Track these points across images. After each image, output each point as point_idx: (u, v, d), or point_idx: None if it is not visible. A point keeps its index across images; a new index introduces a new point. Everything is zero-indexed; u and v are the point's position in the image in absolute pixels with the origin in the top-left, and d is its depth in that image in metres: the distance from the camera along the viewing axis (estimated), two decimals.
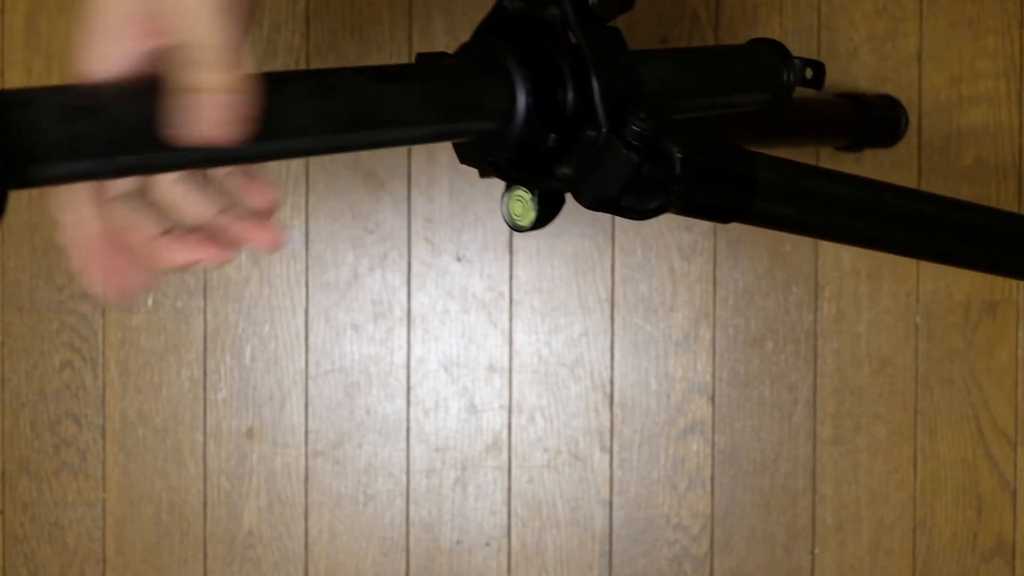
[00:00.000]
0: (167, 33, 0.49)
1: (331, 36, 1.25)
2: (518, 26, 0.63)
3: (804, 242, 1.27)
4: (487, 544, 1.26)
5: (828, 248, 1.27)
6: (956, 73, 1.27)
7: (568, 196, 0.70)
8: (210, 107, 0.48)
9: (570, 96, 0.62)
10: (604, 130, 0.62)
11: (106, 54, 0.50)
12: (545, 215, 0.66)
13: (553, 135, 0.62)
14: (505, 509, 1.26)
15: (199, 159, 0.53)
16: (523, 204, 0.66)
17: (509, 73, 0.61)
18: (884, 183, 0.79)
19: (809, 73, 0.82)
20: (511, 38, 0.62)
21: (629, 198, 0.63)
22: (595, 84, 0.62)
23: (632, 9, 0.64)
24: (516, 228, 0.66)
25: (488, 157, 0.64)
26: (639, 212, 0.65)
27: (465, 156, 0.66)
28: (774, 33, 1.27)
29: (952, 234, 0.80)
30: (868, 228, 0.76)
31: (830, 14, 1.27)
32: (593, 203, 0.64)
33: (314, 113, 0.57)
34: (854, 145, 1.26)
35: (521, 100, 0.61)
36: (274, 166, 1.24)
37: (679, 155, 0.62)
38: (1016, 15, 1.28)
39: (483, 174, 0.67)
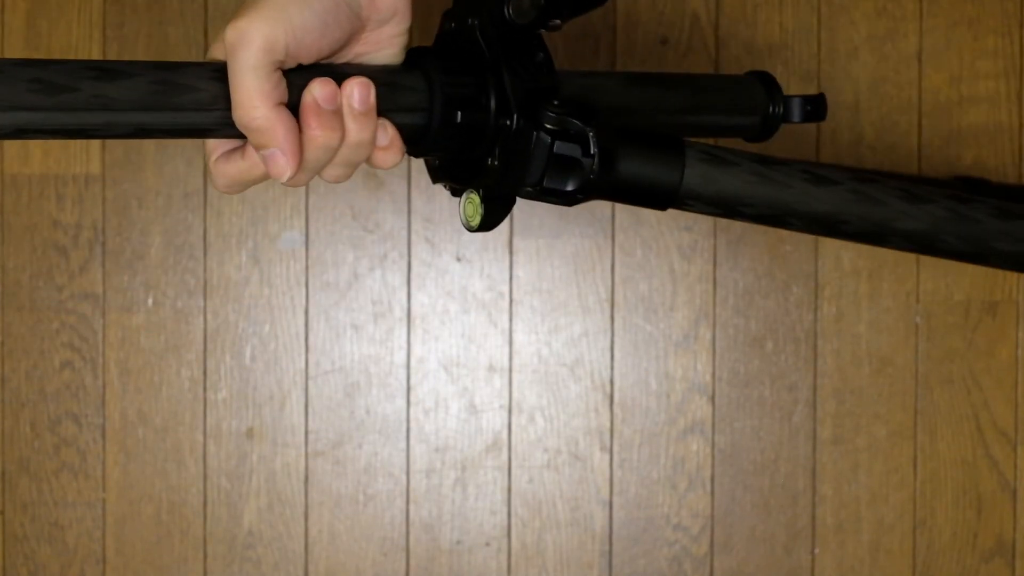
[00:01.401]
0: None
1: None
2: (449, 40, 0.72)
3: (804, 242, 1.27)
4: (487, 544, 1.26)
5: (828, 248, 1.27)
6: (956, 73, 1.27)
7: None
8: (269, 159, 0.65)
9: (490, 93, 0.69)
10: (516, 116, 0.69)
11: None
12: (492, 215, 0.71)
13: (465, 119, 0.69)
14: (505, 509, 1.26)
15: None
16: (473, 206, 0.71)
17: (429, 73, 0.69)
18: (820, 164, 0.80)
19: (809, 108, 0.86)
20: (441, 49, 0.72)
21: (550, 179, 0.69)
22: (506, 76, 0.69)
23: (560, 20, 0.71)
24: (469, 228, 0.72)
25: (426, 154, 0.72)
26: (564, 195, 0.70)
27: (434, 173, 0.74)
28: (774, 33, 1.27)
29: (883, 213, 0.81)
30: (809, 212, 0.77)
31: (830, 14, 1.27)
32: (524, 192, 0.70)
33: None
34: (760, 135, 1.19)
35: (437, 95, 0.69)
36: None
37: (591, 133, 0.68)
38: (1016, 15, 1.28)
39: (453, 192, 0.74)
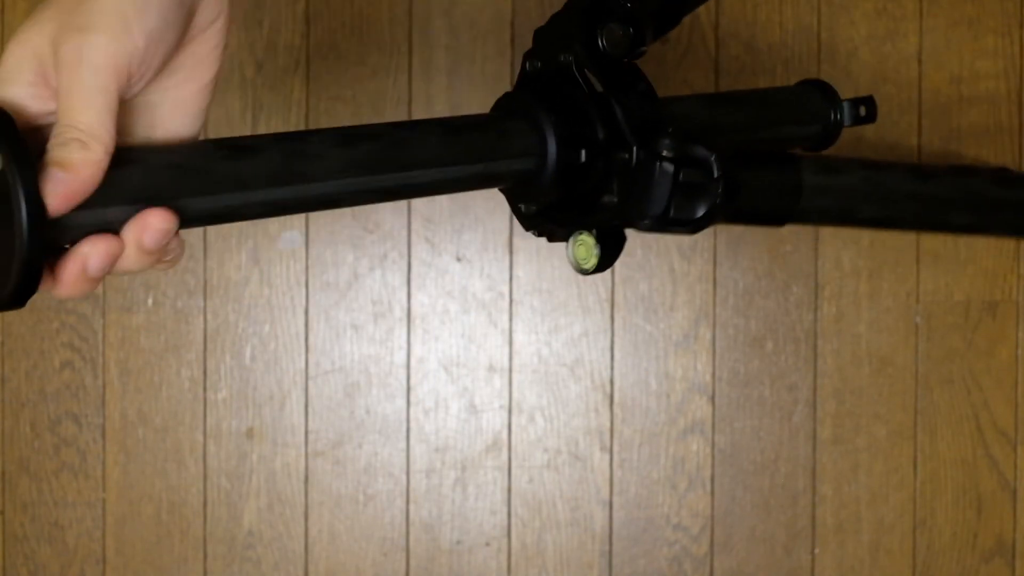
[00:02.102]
0: (55, 102, 0.55)
1: (331, 36, 1.25)
2: (540, 80, 0.69)
3: (804, 242, 1.27)
4: (487, 544, 1.26)
5: (828, 248, 1.27)
6: (956, 73, 1.28)
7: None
8: (56, 179, 0.53)
9: (598, 127, 0.67)
10: (634, 148, 0.66)
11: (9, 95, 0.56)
12: (608, 254, 0.69)
13: (589, 157, 0.66)
14: (505, 509, 1.26)
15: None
16: (586, 247, 0.69)
17: (535, 115, 0.66)
18: (918, 165, 0.81)
19: (863, 111, 0.87)
20: (535, 90, 0.68)
21: (677, 208, 0.67)
22: (617, 109, 0.67)
23: (645, 46, 0.69)
24: (583, 272, 0.69)
25: (538, 200, 0.69)
26: (690, 223, 0.68)
27: (528, 221, 0.72)
28: (774, 33, 1.27)
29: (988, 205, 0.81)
30: (918, 210, 0.77)
31: (830, 14, 1.27)
32: (648, 224, 0.68)
33: (345, 160, 0.62)
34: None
35: (550, 137, 0.66)
36: None
37: (713, 157, 0.66)
38: (1016, 15, 1.28)
39: (551, 237, 0.71)
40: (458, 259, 1.25)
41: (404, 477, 1.26)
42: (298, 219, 1.25)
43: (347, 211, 1.25)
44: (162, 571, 1.25)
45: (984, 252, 1.28)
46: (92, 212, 0.54)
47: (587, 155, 0.67)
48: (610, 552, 1.27)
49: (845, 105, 0.87)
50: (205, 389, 1.25)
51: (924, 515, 1.28)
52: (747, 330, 1.27)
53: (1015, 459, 1.29)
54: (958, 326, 1.28)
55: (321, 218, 1.25)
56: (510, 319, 1.26)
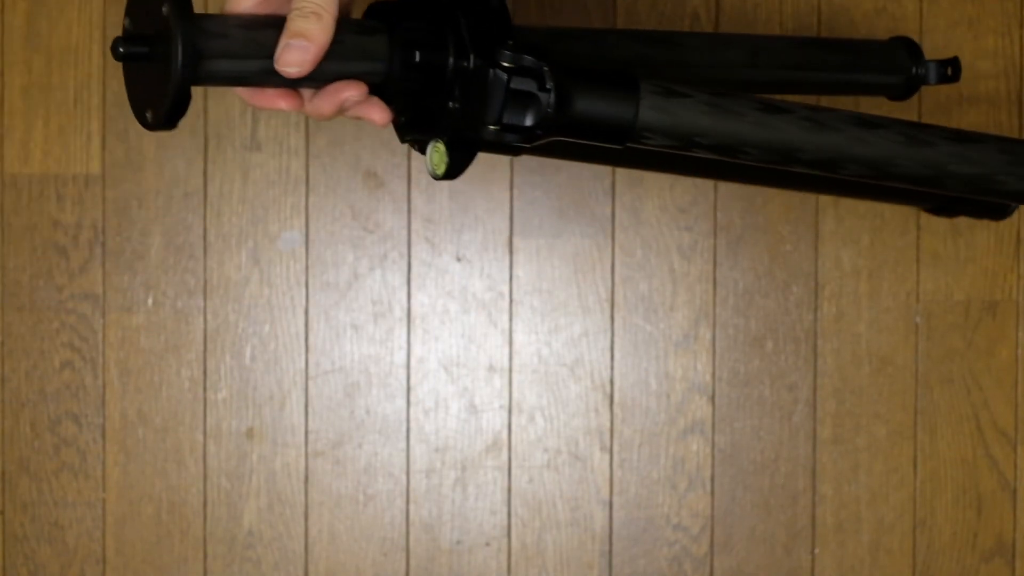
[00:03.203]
0: None
1: None
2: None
3: (804, 242, 1.27)
4: (487, 544, 1.26)
5: (828, 248, 1.27)
6: None
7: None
8: (290, 48, 0.69)
9: (448, 37, 0.73)
10: (472, 56, 0.72)
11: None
12: (457, 162, 0.74)
13: (424, 59, 0.73)
14: (505, 509, 1.26)
15: None
16: (439, 154, 0.74)
17: (392, 23, 0.73)
18: (790, 103, 0.81)
19: (949, 71, 0.96)
20: (399, 2, 0.75)
21: (509, 115, 0.72)
22: (461, 20, 0.72)
23: None
24: (435, 176, 0.74)
25: (398, 104, 0.75)
26: (523, 131, 0.72)
27: (401, 131, 0.77)
28: (773, 33, 1.27)
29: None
30: (764, 141, 0.79)
31: (830, 14, 1.27)
32: (486, 133, 0.72)
33: None
34: (943, 208, 1.21)
35: (396, 41, 0.72)
36: (274, 165, 1.25)
37: (545, 68, 0.71)
38: (1016, 15, 1.28)
39: (421, 148, 0.76)
40: (458, 259, 1.25)
41: (404, 477, 1.26)
42: (298, 219, 1.25)
43: (347, 211, 1.25)
44: (162, 571, 1.25)
45: (984, 252, 1.28)
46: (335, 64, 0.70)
47: (421, 56, 0.72)
48: (610, 552, 1.26)
49: (931, 64, 0.97)
50: (205, 389, 1.25)
51: (924, 515, 1.28)
52: (747, 330, 1.27)
53: (1015, 459, 1.29)
54: (958, 326, 1.28)
55: (321, 218, 1.25)
56: (510, 319, 1.26)
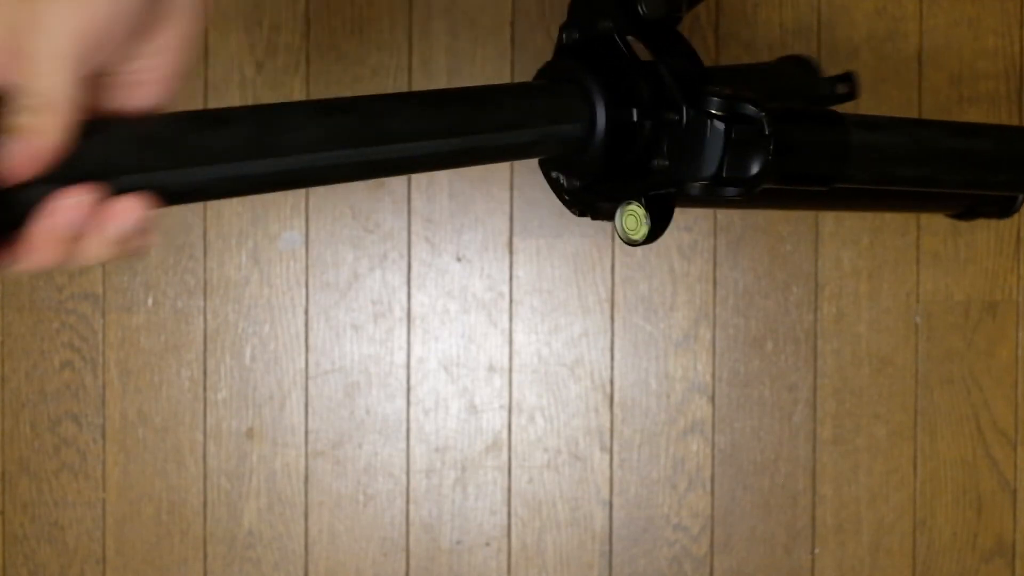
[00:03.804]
0: (16, 70, 0.53)
1: (331, 36, 1.25)
2: (580, 48, 0.68)
3: (804, 242, 1.27)
4: (487, 544, 1.26)
5: (828, 248, 1.27)
6: (956, 73, 1.27)
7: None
8: (20, 144, 0.52)
9: (644, 89, 0.65)
10: (684, 107, 0.65)
11: None
12: (659, 223, 0.67)
13: (639, 116, 0.65)
14: (505, 509, 1.26)
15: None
16: (635, 218, 0.67)
17: (581, 79, 0.65)
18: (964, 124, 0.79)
19: (843, 88, 0.87)
20: (577, 57, 0.67)
21: (730, 167, 0.65)
22: (663, 70, 0.65)
23: (681, 11, 0.68)
24: (632, 243, 0.68)
25: (586, 169, 0.67)
26: (743, 182, 0.66)
27: (572, 197, 0.70)
28: (774, 33, 1.27)
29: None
30: (960, 167, 0.76)
31: (830, 14, 1.27)
32: (701, 187, 0.66)
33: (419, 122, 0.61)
34: (968, 212, 1.21)
35: (598, 98, 0.65)
36: None
37: (763, 113, 0.65)
38: (1016, 15, 1.28)
39: (595, 214, 0.69)
40: (458, 259, 1.25)
41: (404, 477, 1.26)
42: (298, 219, 1.25)
43: (347, 211, 1.25)
44: (162, 571, 1.25)
45: (984, 252, 1.28)
46: (53, 184, 0.52)
47: (638, 114, 0.65)
48: (610, 552, 1.27)
49: (827, 82, 0.86)
50: (205, 389, 1.25)
51: (924, 515, 1.28)
52: (747, 330, 1.27)
53: (1015, 459, 1.29)
54: (958, 326, 1.28)
55: (321, 218, 1.25)
56: (510, 319, 1.26)
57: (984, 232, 1.28)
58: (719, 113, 0.65)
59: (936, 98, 1.27)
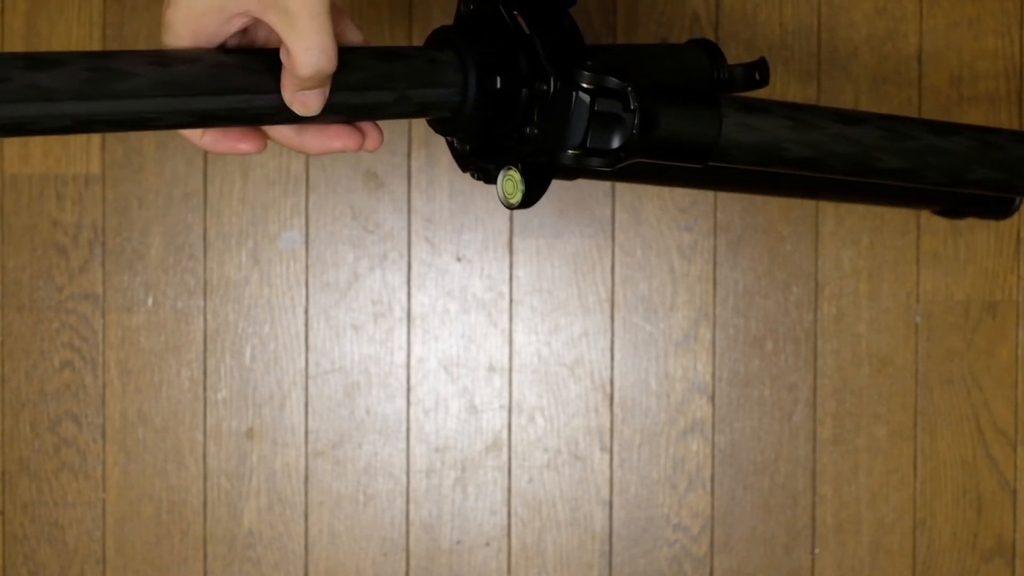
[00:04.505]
0: (242, 21, 0.63)
1: None
2: (468, 21, 0.72)
3: (804, 242, 1.27)
4: (487, 544, 1.26)
5: (828, 248, 1.27)
6: (956, 73, 1.28)
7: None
8: (301, 97, 0.63)
9: (521, 60, 0.69)
10: (552, 78, 0.68)
11: (185, 35, 0.63)
12: (534, 189, 0.71)
13: (505, 84, 0.69)
14: (505, 509, 1.26)
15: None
16: (513, 182, 0.71)
17: (459, 47, 0.69)
18: (862, 113, 0.79)
19: (757, 76, 0.87)
20: (463, 27, 0.71)
21: (593, 139, 0.68)
22: (537, 42, 0.69)
23: None
24: (509, 206, 0.71)
25: (461, 130, 0.71)
26: (607, 153, 0.69)
27: (464, 161, 0.74)
28: (774, 33, 1.27)
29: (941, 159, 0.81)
30: (845, 153, 0.77)
31: (830, 14, 1.27)
32: (568, 157, 0.69)
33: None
34: (954, 211, 1.20)
35: (471, 66, 0.68)
36: (274, 165, 1.25)
37: (629, 88, 0.68)
38: (1016, 15, 1.28)
39: (485, 177, 0.73)
40: (458, 259, 1.25)
41: (404, 477, 1.26)
42: (298, 219, 1.25)
43: (347, 211, 1.25)
44: (162, 571, 1.25)
45: (984, 252, 1.28)
46: None
47: (503, 81, 0.68)
48: (610, 552, 1.26)
49: (736, 68, 0.87)
50: (205, 389, 1.25)
51: (924, 515, 1.28)
52: (747, 330, 1.27)
53: (1015, 459, 1.29)
54: (958, 326, 1.28)
55: (321, 218, 1.25)
56: (510, 319, 1.26)
57: (984, 232, 1.28)
58: (585, 86, 0.68)
59: (936, 98, 1.27)
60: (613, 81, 0.68)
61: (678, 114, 0.71)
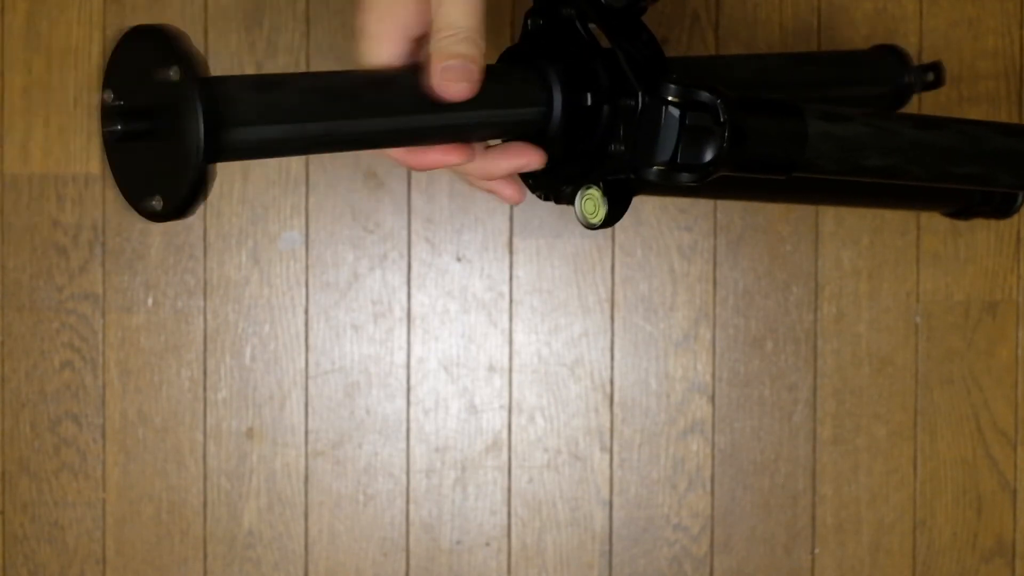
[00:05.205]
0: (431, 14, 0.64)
1: (331, 36, 1.25)
2: (539, 37, 0.70)
3: (804, 242, 1.27)
4: (487, 544, 1.26)
5: (828, 248, 1.27)
6: (956, 73, 1.27)
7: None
8: (451, 68, 0.63)
9: (602, 74, 0.67)
10: (640, 93, 0.66)
11: (384, 33, 0.65)
12: (616, 208, 0.69)
13: (594, 101, 0.67)
14: (505, 509, 1.26)
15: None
16: (593, 201, 0.69)
17: (539, 64, 0.67)
18: (936, 117, 0.80)
19: (930, 76, 0.91)
20: (538, 43, 0.69)
21: (684, 154, 0.66)
22: (620, 56, 0.67)
23: (646, 0, 0.69)
24: (591, 226, 0.69)
25: (547, 153, 0.69)
26: (699, 169, 0.67)
27: (534, 182, 0.72)
28: (774, 33, 1.27)
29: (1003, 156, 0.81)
30: (925, 159, 0.76)
31: (830, 14, 1.27)
32: (656, 172, 0.67)
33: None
34: (964, 212, 1.21)
35: (555, 83, 0.66)
36: (274, 165, 1.24)
37: (719, 100, 0.66)
38: (1016, 15, 1.28)
39: (557, 198, 0.71)
40: (458, 259, 1.25)
41: (404, 477, 1.26)
42: (298, 219, 1.25)
43: (347, 211, 1.25)
44: (162, 571, 1.25)
45: (984, 252, 1.28)
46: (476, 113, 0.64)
47: (592, 99, 0.67)
48: (610, 552, 1.27)
49: (922, 70, 0.90)
50: (205, 389, 1.25)
51: (924, 515, 1.28)
52: (747, 330, 1.27)
53: (1015, 459, 1.29)
54: (958, 326, 1.28)
55: (321, 218, 1.25)
56: (510, 319, 1.26)
57: (984, 232, 1.28)
58: (674, 100, 0.66)
59: (936, 98, 1.27)
60: (703, 94, 0.66)
61: (765, 125, 0.70)
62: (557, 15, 0.69)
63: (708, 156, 0.67)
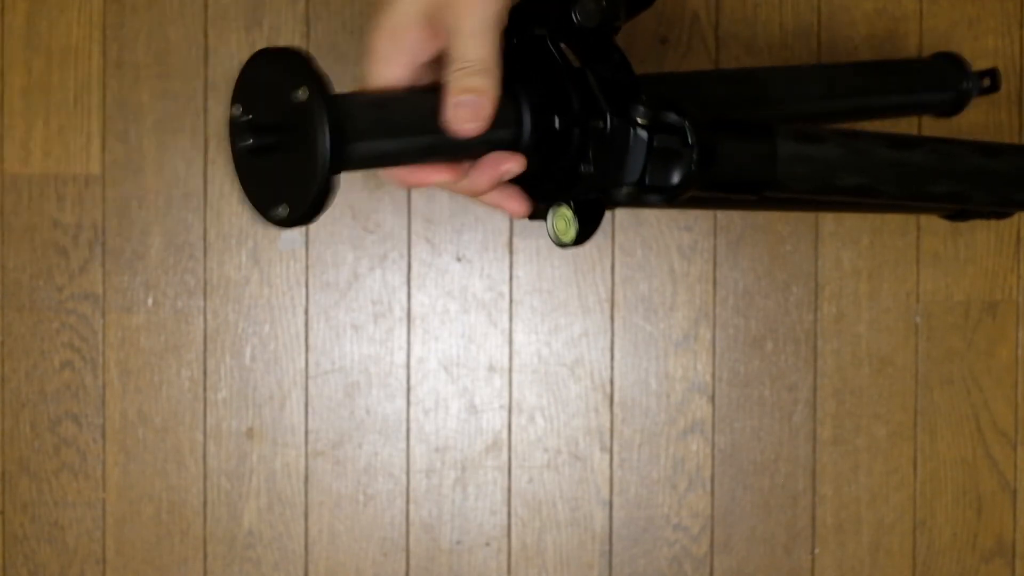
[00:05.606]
0: (443, 42, 0.65)
1: (331, 36, 1.25)
2: (516, 55, 0.70)
3: (804, 242, 1.27)
4: (487, 544, 1.26)
5: (828, 248, 1.27)
6: None
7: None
8: (463, 105, 0.64)
9: (572, 96, 0.67)
10: (608, 115, 0.66)
11: (392, 56, 0.66)
12: (586, 227, 0.69)
13: (563, 124, 0.67)
14: (505, 509, 1.26)
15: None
16: (565, 220, 0.69)
17: (510, 86, 0.67)
18: (911, 136, 0.81)
19: (987, 82, 0.94)
20: (510, 65, 0.69)
21: (652, 175, 0.67)
22: (590, 77, 0.67)
23: (619, 21, 0.69)
24: (562, 244, 0.69)
25: (521, 171, 0.69)
26: (667, 191, 0.67)
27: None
28: (774, 33, 1.27)
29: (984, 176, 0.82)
30: (899, 179, 0.77)
31: (830, 14, 1.27)
32: (625, 192, 0.67)
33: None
34: (962, 213, 1.21)
35: (524, 106, 0.67)
36: None
37: (687, 122, 0.66)
38: (1016, 15, 1.28)
39: (532, 215, 0.71)
40: (458, 259, 1.25)
41: (404, 477, 1.26)
42: None
43: (347, 211, 1.25)
44: (162, 571, 1.25)
45: (984, 252, 1.28)
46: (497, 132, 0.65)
47: (561, 122, 0.67)
48: (610, 552, 1.27)
49: (979, 77, 0.96)
50: (205, 389, 1.25)
51: (924, 515, 1.28)
52: (747, 330, 1.27)
53: (1015, 459, 1.29)
54: (958, 326, 1.28)
55: (321, 218, 1.25)
56: (510, 319, 1.26)
57: (984, 232, 1.28)
58: (643, 122, 0.66)
59: None
60: (672, 116, 0.67)
61: (735, 146, 0.70)
62: (530, 35, 0.69)
63: (676, 178, 0.67)
